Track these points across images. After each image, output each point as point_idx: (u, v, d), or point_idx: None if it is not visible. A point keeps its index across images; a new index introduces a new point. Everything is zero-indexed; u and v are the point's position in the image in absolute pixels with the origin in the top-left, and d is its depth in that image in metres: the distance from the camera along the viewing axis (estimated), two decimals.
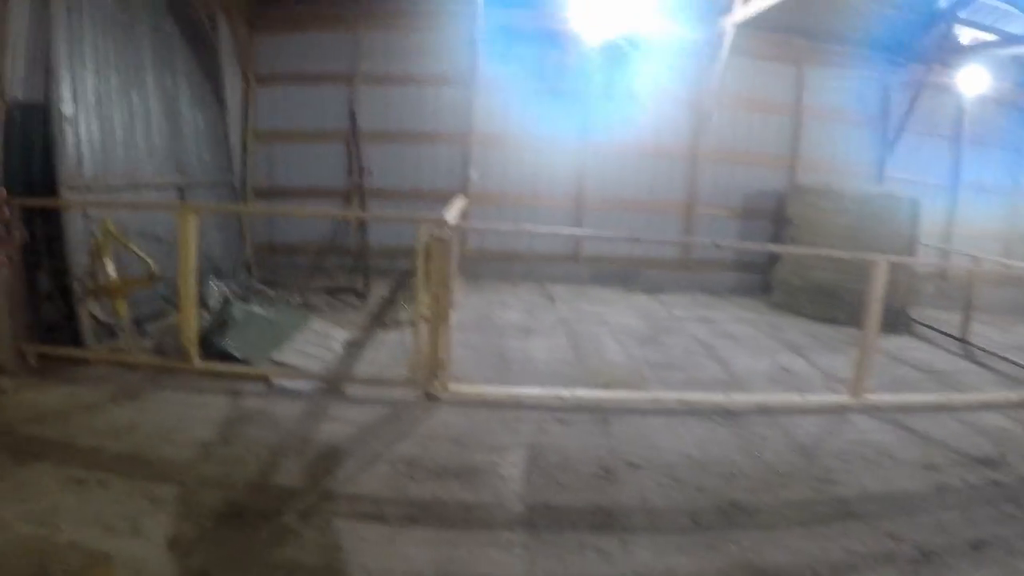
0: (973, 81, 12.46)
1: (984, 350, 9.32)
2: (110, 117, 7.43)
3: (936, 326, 10.37)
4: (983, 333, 9.82)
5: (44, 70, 6.54)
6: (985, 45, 12.47)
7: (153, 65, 8.38)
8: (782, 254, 11.55)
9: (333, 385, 6.09)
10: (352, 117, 11.12)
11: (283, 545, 3.60)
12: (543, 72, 11.75)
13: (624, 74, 11.81)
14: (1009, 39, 12.22)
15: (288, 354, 6.61)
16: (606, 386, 6.63)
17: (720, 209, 12.59)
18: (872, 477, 5.12)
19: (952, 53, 12.57)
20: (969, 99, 13.11)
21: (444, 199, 8.65)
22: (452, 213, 7.01)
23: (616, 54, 11.49)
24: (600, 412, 5.90)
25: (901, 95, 13.01)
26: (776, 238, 12.20)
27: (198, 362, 6.13)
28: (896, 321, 9.84)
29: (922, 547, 4.13)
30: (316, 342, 7.07)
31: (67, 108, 6.61)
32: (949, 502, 4.85)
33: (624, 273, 12.29)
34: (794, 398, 6.69)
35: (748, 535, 4.09)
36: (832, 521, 4.40)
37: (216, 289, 8.17)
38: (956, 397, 7.28)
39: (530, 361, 7.37)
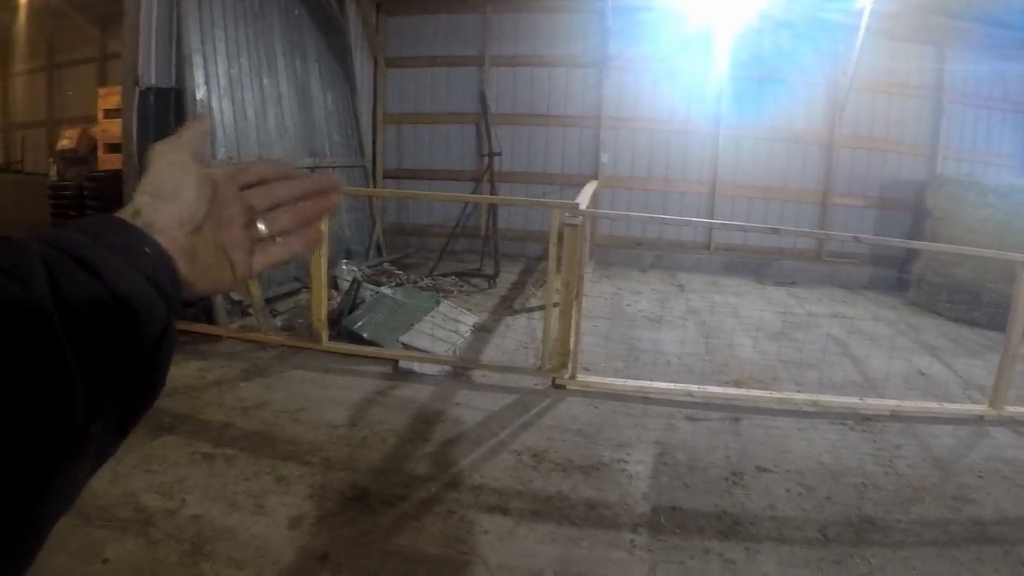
0: None
1: None
2: (242, 100, 7.62)
3: None
4: None
5: (177, 55, 6.74)
6: None
7: (283, 49, 8.56)
8: (924, 250, 10.86)
9: (460, 370, 6.03)
10: (482, 99, 11.09)
11: (404, 532, 3.54)
12: (675, 54, 11.35)
13: (757, 56, 11.31)
14: None
15: (416, 337, 6.59)
16: (737, 383, 6.35)
17: (856, 199, 11.90)
18: (1010, 498, 4.69)
19: None
20: None
21: (574, 183, 8.51)
22: (584, 198, 6.85)
23: (749, 35, 11.03)
24: (730, 410, 5.65)
25: None
26: (914, 231, 11.42)
27: (327, 342, 6.20)
28: None
29: None
30: (445, 326, 7.04)
31: (200, 92, 6.80)
32: None
33: (756, 264, 11.84)
34: (931, 405, 6.23)
35: (877, 552, 3.82)
36: (966, 544, 4.05)
37: (347, 270, 8.26)
38: None
39: (659, 353, 7.11)
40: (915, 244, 9.50)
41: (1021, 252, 6.35)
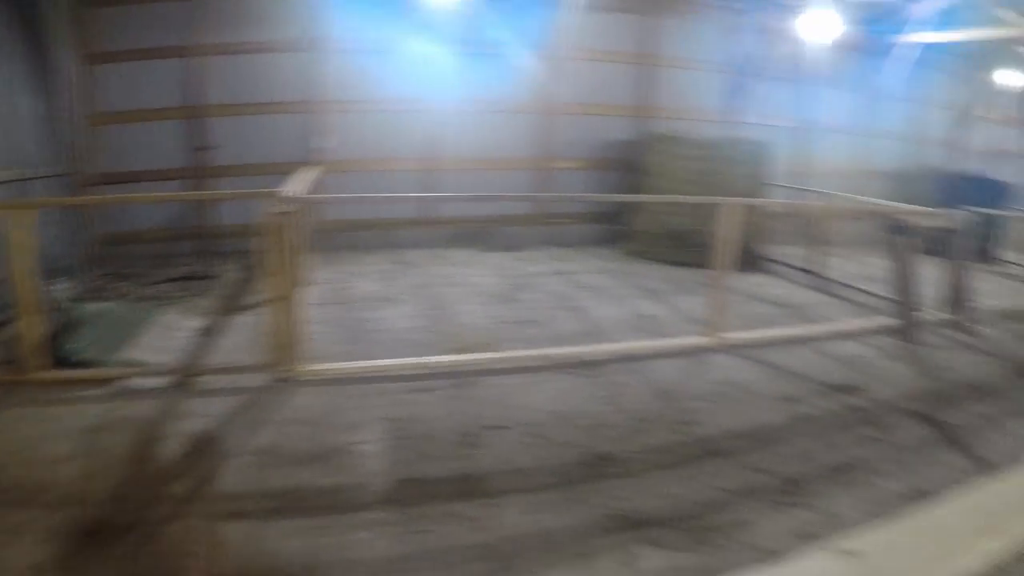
0: (819, 26, 13.04)
1: (837, 282, 9.92)
2: None
3: (791, 262, 10.92)
4: (837, 266, 10.41)
5: None
6: None
7: None
8: (639, 203, 11.93)
9: (187, 379, 5.92)
10: (196, 90, 10.73)
11: (145, 557, 3.55)
12: (393, 33, 11.56)
13: (474, 31, 11.78)
14: None
15: (140, 350, 6.47)
16: (465, 349, 6.73)
17: (576, 162, 12.89)
18: (733, 414, 5.42)
19: None
20: (817, 43, 13.71)
21: (297, 171, 8.52)
22: (297, 185, 6.90)
23: (465, 11, 11.44)
24: (461, 377, 6.01)
25: (750, 41, 13.50)
26: (633, 187, 12.53)
27: (45, 372, 5.83)
28: (751, 260, 10.37)
29: (787, 476, 4.45)
30: (167, 335, 6.94)
31: None
32: (810, 431, 5.22)
33: (481, 233, 12.42)
34: (652, 343, 6.99)
35: (616, 485, 4.30)
36: (698, 462, 4.65)
37: (59, 289, 7.88)
38: (812, 329, 7.74)
39: (388, 331, 7.41)
40: (630, 198, 10.48)
41: (725, 196, 7.29)
